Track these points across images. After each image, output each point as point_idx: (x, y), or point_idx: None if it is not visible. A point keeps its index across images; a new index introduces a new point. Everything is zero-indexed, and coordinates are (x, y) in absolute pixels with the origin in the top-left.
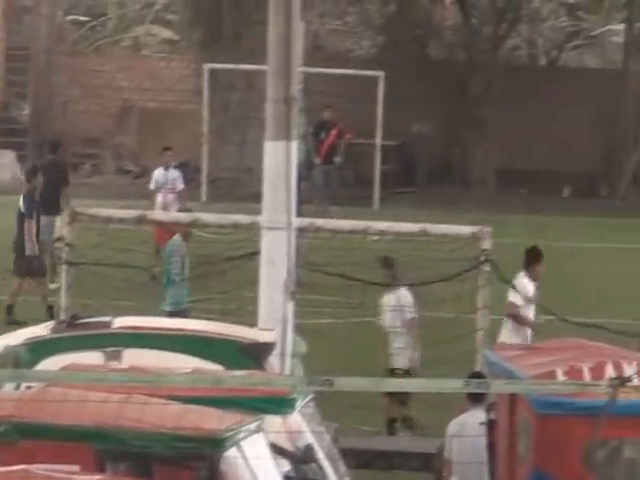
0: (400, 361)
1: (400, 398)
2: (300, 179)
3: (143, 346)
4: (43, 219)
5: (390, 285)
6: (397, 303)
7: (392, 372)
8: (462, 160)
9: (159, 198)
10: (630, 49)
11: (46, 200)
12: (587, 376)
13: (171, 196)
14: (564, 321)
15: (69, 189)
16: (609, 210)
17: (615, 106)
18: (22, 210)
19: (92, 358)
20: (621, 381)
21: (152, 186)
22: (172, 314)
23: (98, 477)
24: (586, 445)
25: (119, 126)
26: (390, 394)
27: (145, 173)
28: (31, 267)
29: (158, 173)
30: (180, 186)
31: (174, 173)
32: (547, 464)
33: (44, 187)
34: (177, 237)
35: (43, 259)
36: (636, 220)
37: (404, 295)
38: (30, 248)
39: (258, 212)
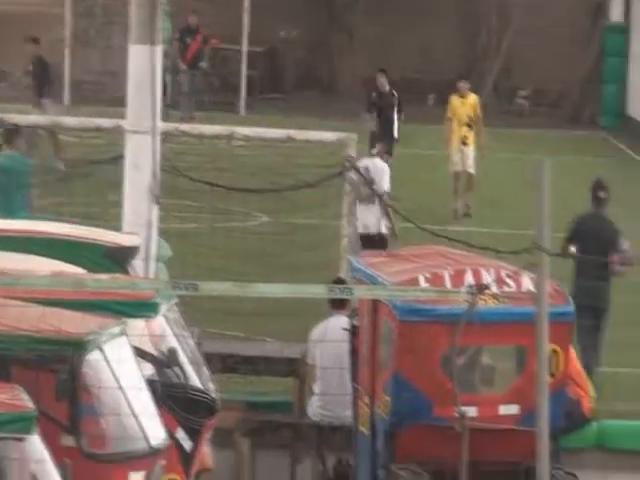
0: None
1: None
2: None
3: (3, 248)
4: None
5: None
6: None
7: None
8: (329, 67)
9: None
10: None
11: None
12: (448, 283)
13: None
14: (422, 230)
15: None
16: None
17: (478, 15)
18: None
19: None
20: (479, 289)
21: None
22: None
23: None
24: (445, 352)
25: None
26: None
27: (7, 77)
28: None
29: None
30: None
31: None
32: (408, 370)
33: None
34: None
35: None
36: (497, 129)
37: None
38: None
39: (122, 116)
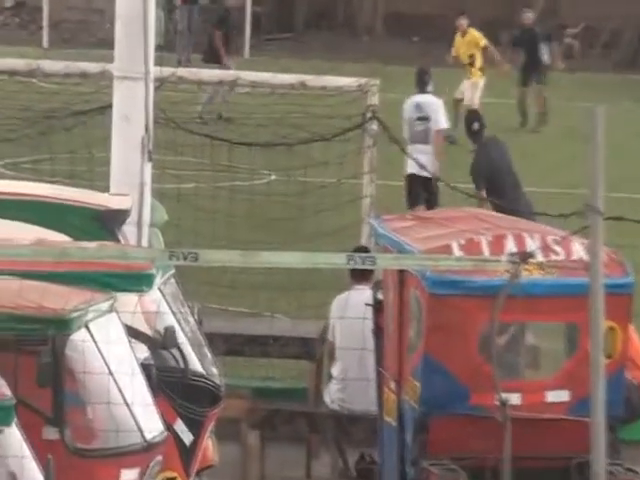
0: None
1: None
2: None
3: None
4: None
5: None
6: None
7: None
8: (347, 3)
9: None
10: None
11: None
12: (486, 251)
13: None
14: (454, 189)
15: None
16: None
17: None
18: None
19: None
20: (523, 257)
21: None
22: None
23: None
24: (484, 330)
25: None
26: None
27: None
28: None
29: None
30: None
31: None
32: (440, 351)
33: None
34: None
35: None
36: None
37: None
38: None
39: (110, 60)
